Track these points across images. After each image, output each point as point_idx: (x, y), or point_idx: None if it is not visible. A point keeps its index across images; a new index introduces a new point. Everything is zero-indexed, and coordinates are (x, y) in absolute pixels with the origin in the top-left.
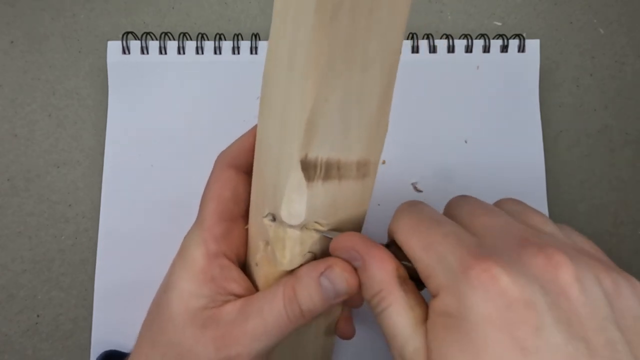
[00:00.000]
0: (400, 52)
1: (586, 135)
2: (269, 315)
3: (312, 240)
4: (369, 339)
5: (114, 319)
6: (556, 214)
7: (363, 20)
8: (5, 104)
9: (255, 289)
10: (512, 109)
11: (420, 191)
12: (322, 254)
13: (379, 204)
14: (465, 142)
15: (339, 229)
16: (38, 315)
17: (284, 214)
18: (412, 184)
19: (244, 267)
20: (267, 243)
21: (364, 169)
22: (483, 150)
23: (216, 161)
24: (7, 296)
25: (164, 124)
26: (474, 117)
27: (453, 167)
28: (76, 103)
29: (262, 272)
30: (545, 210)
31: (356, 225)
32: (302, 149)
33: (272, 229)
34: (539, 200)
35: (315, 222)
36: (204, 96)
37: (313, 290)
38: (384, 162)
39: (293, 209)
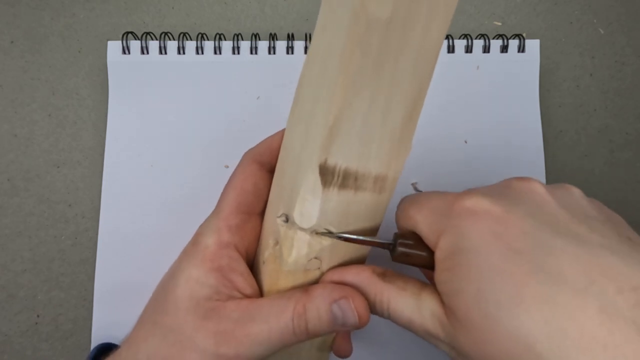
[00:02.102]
0: (431, 77)
1: (586, 136)
2: (275, 324)
3: (320, 246)
4: (366, 357)
5: (114, 318)
6: None
7: (395, 39)
8: (5, 104)
9: (260, 287)
10: (512, 109)
11: (420, 191)
12: (329, 261)
13: None
14: (465, 142)
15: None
16: (38, 315)
17: (296, 214)
18: (412, 184)
19: (251, 264)
20: (277, 242)
21: (382, 184)
22: (483, 150)
23: (243, 155)
24: (7, 296)
25: (164, 123)
26: (474, 117)
27: (453, 167)
28: (76, 103)
29: (268, 269)
30: None
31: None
32: (322, 153)
33: (283, 228)
34: None
35: (326, 229)
36: (204, 96)
37: (323, 314)
38: None
39: (306, 210)
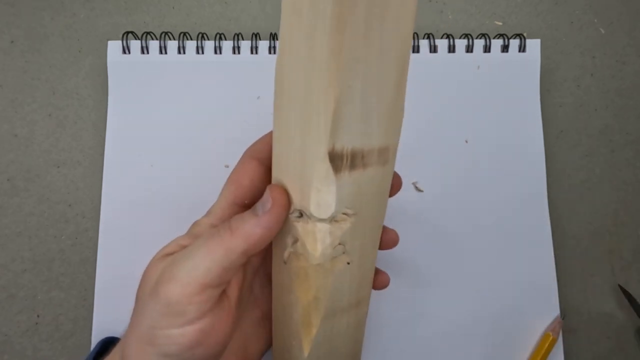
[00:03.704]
0: (412, 39)
1: (587, 135)
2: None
3: (341, 231)
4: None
5: (115, 318)
6: (556, 214)
7: (378, 8)
8: (5, 104)
9: (280, 287)
10: (512, 109)
11: (421, 191)
12: (351, 243)
13: None
14: (466, 142)
15: (364, 216)
16: (38, 315)
17: (312, 207)
18: (413, 183)
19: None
20: (295, 239)
21: (385, 155)
22: (483, 150)
23: (243, 153)
24: (7, 296)
25: (164, 123)
26: (474, 117)
27: (453, 167)
28: (76, 103)
29: (292, 267)
30: (545, 210)
31: (380, 212)
32: (329, 140)
33: (300, 224)
34: (539, 200)
35: (343, 213)
36: (204, 96)
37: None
38: None
39: (322, 200)
